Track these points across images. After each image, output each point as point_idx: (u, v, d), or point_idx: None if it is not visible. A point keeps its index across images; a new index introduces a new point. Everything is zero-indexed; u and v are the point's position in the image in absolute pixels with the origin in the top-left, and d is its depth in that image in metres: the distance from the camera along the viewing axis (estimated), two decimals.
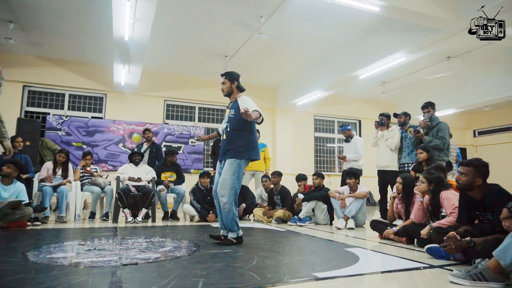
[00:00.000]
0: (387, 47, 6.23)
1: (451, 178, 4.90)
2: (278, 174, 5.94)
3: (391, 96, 10.40)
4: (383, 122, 5.47)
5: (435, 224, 3.00)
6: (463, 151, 12.24)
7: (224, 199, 3.17)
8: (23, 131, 6.62)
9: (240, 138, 3.27)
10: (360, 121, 11.41)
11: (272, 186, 6.03)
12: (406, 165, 5.10)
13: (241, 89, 3.50)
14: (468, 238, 2.37)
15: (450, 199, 3.01)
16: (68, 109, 8.36)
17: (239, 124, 3.28)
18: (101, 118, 8.51)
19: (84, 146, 7.99)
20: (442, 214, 3.18)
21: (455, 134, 8.58)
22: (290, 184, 7.42)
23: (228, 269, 2.27)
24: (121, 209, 5.11)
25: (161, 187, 5.55)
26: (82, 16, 6.04)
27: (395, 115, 5.44)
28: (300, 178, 5.78)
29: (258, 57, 7.84)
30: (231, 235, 3.26)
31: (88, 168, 5.73)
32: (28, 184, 4.98)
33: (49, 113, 8.02)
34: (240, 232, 3.29)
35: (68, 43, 7.19)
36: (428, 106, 5.16)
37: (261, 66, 8.43)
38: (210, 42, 7.09)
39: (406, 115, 5.38)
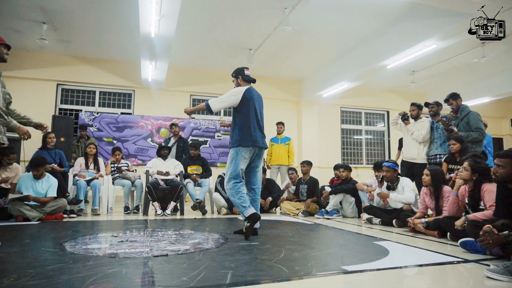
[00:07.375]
0: (416, 34, 5.99)
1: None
2: (307, 163, 5.92)
3: (421, 86, 10.05)
4: (406, 117, 5.24)
5: (470, 216, 2.89)
6: (499, 141, 11.68)
7: (225, 184, 3.37)
8: (58, 127, 6.94)
9: (234, 129, 3.43)
10: (388, 112, 11.11)
11: (299, 177, 6.03)
12: (438, 156, 4.90)
13: (248, 80, 3.58)
14: (506, 232, 2.27)
15: (493, 192, 2.84)
16: (99, 105, 8.64)
17: (233, 116, 3.50)
18: (130, 114, 8.75)
19: (115, 142, 8.24)
20: (480, 207, 3.05)
21: (490, 124, 8.15)
22: (316, 177, 7.35)
23: (256, 262, 2.28)
24: (150, 202, 5.25)
25: (188, 180, 5.65)
26: (109, 14, 6.20)
27: (426, 104, 5.21)
28: (342, 166, 5.47)
29: (283, 49, 7.77)
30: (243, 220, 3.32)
31: (119, 166, 5.90)
32: (64, 178, 5.21)
33: (81, 110, 8.33)
34: (248, 211, 3.19)
35: (97, 41, 7.41)
36: (450, 99, 4.91)
37: (285, 58, 8.36)
38: (234, 36, 7.09)
39: (438, 104, 5.13)
